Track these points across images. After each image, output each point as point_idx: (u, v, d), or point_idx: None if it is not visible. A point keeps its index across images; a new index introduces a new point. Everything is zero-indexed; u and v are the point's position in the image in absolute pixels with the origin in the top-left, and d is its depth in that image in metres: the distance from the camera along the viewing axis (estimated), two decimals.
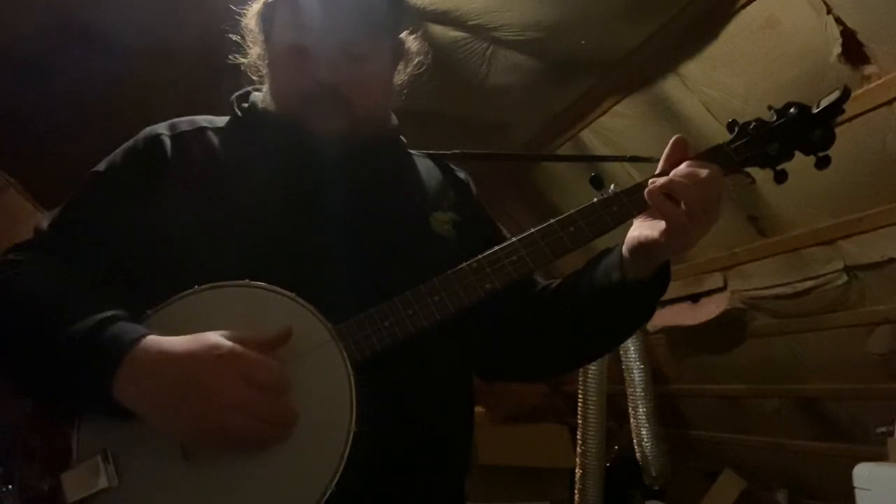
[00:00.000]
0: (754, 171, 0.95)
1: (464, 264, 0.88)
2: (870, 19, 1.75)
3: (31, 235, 0.95)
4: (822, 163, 0.93)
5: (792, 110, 0.92)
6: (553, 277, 1.09)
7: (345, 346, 0.80)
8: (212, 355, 0.75)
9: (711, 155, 0.91)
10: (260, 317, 0.81)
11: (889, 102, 1.80)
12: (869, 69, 1.83)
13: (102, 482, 0.76)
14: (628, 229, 0.94)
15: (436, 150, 1.16)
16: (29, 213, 3.36)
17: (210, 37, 2.10)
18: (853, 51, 1.80)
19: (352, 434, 0.76)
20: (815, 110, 0.92)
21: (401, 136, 1.10)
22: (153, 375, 0.75)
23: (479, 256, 0.89)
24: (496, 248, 0.89)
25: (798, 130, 0.92)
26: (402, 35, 1.06)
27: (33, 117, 2.64)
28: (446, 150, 1.17)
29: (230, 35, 1.06)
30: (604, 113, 2.65)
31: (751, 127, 0.93)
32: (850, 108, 1.86)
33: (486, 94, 2.60)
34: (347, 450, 0.75)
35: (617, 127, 2.67)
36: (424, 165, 1.11)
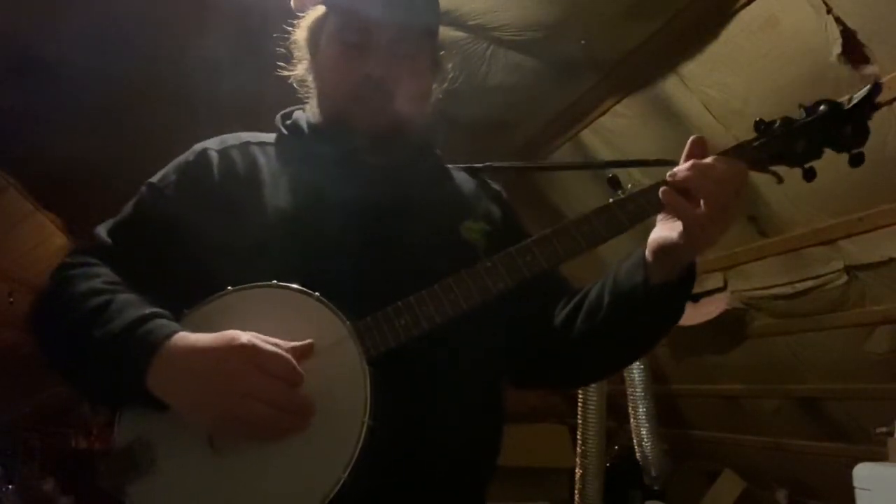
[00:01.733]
0: (781, 169, 0.94)
1: (478, 264, 0.90)
2: (870, 19, 1.75)
3: (89, 241, 1.01)
4: (856, 160, 0.91)
5: (822, 107, 0.91)
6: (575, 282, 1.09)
7: (361, 342, 0.84)
8: (230, 347, 0.80)
9: (734, 154, 0.90)
10: (284, 314, 0.86)
11: (889, 102, 1.80)
12: (869, 69, 1.83)
13: (137, 467, 0.83)
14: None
15: (468, 164, 1.20)
16: (29, 214, 3.37)
17: (210, 42, 2.11)
18: (853, 51, 1.80)
19: (365, 427, 0.79)
20: (847, 106, 0.91)
21: (436, 150, 1.14)
22: (181, 368, 0.82)
23: (493, 256, 0.90)
24: (510, 248, 0.90)
25: (829, 127, 0.90)
26: (440, 50, 1.10)
27: (34, 118, 2.64)
28: (472, 161, 1.21)
29: (277, 45, 1.10)
30: (604, 113, 2.65)
31: (776, 125, 0.92)
32: None
33: (486, 94, 2.60)
34: (361, 442, 0.78)
35: (617, 127, 2.67)
36: (459, 177, 1.16)
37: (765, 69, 2.03)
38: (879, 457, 2.37)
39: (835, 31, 1.79)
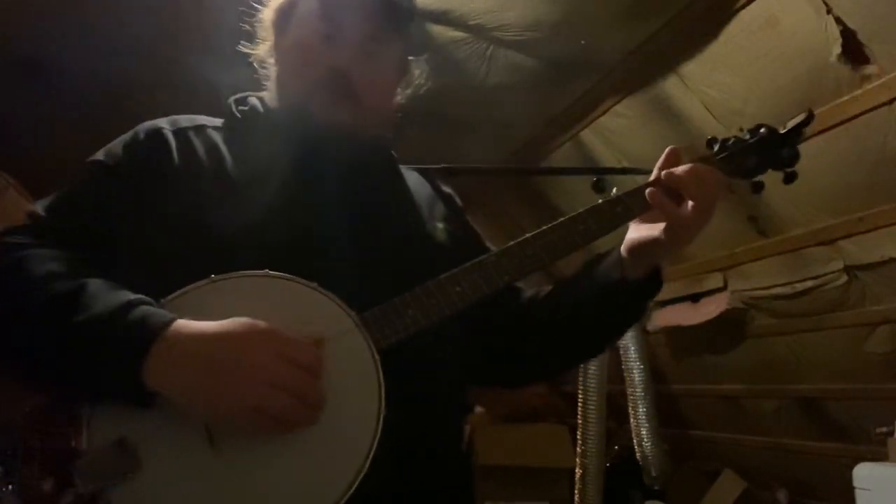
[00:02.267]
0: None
1: (483, 257, 0.92)
2: (870, 19, 1.75)
3: (26, 220, 0.92)
4: (789, 178, 1.04)
5: (762, 130, 1.02)
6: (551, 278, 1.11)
7: (370, 333, 0.82)
8: (251, 333, 0.76)
9: (702, 163, 0.98)
10: (281, 304, 0.82)
11: (889, 102, 1.80)
12: (869, 69, 1.83)
13: (120, 469, 0.75)
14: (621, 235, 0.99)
15: (425, 163, 1.19)
16: None
17: (210, 40, 2.11)
18: (853, 51, 1.81)
19: (382, 417, 0.78)
20: (783, 131, 1.02)
21: (392, 152, 1.12)
22: (186, 356, 0.75)
23: (497, 250, 0.93)
24: (511, 243, 0.93)
25: (769, 148, 1.02)
26: (409, 54, 1.09)
27: (34, 118, 2.64)
28: (436, 160, 1.22)
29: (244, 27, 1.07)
30: (604, 113, 2.65)
31: (729, 143, 1.02)
32: (850, 108, 1.88)
33: (486, 94, 2.60)
34: (379, 433, 0.77)
35: (617, 127, 2.67)
36: (413, 178, 1.14)
37: (765, 69, 2.03)
38: (879, 457, 2.37)
39: (835, 31, 1.79)
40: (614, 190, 0.98)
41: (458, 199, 1.19)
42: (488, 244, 1.14)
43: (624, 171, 1.60)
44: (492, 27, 2.23)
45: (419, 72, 1.11)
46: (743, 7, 1.96)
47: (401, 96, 1.10)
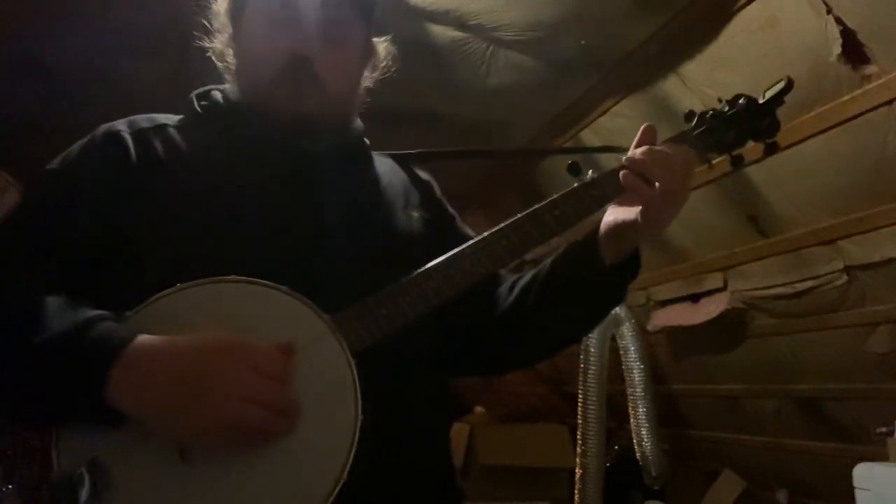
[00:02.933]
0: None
1: (457, 249, 0.88)
2: (870, 19, 1.75)
3: None
4: (771, 149, 1.00)
5: (741, 101, 0.99)
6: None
7: (344, 336, 0.80)
8: (217, 347, 0.73)
9: (678, 141, 0.96)
10: (251, 311, 0.79)
11: (889, 102, 1.80)
12: (869, 69, 1.83)
13: (93, 494, 0.72)
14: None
15: (403, 150, 1.16)
16: None
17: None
18: (853, 51, 1.80)
19: (360, 423, 0.75)
20: (762, 100, 0.99)
21: (364, 139, 1.09)
22: (154, 374, 0.73)
23: (472, 241, 0.90)
24: (486, 233, 0.90)
25: (748, 119, 0.99)
26: (374, 37, 1.06)
27: (34, 118, 2.64)
28: (419, 150, 1.17)
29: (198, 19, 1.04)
30: (604, 113, 2.65)
31: (708, 115, 1.00)
32: (850, 108, 1.88)
33: (486, 94, 2.60)
34: (356, 439, 0.75)
35: (617, 127, 2.67)
36: (388, 165, 1.11)
37: (765, 69, 2.03)
38: (879, 457, 2.37)
39: (835, 31, 1.79)
40: (590, 172, 0.95)
41: (436, 186, 1.15)
42: (467, 230, 1.12)
43: (602, 149, 1.58)
44: (492, 27, 2.23)
45: (385, 53, 1.07)
46: (743, 7, 1.96)
47: (368, 80, 1.06)
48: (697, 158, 0.97)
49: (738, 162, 1.01)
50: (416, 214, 1.04)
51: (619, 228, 0.93)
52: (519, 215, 0.92)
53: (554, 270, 1.01)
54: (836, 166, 2.04)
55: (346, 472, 0.74)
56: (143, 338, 0.74)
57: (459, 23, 2.21)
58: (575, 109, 2.75)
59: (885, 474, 2.12)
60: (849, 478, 2.19)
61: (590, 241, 0.97)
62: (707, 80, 2.21)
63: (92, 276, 0.85)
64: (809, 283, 2.46)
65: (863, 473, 2.16)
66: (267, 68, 0.94)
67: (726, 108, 1.00)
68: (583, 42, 2.27)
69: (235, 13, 1.00)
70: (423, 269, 0.86)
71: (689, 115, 1.01)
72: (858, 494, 2.14)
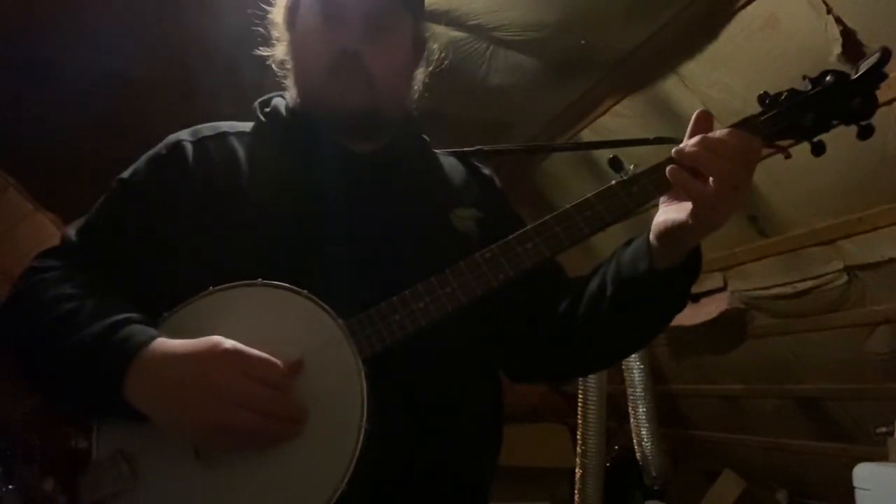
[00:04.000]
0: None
1: (476, 254, 0.85)
2: (870, 19, 1.75)
3: (59, 242, 0.97)
4: (865, 132, 0.86)
5: (829, 78, 0.86)
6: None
7: (355, 341, 0.80)
8: (213, 353, 0.76)
9: (740, 128, 0.85)
10: (272, 314, 0.82)
11: (889, 102, 1.80)
12: None
13: (119, 484, 0.77)
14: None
15: (457, 148, 1.16)
16: (29, 214, 3.36)
17: (211, 38, 2.11)
18: (853, 51, 1.80)
19: (363, 431, 0.75)
20: (854, 76, 0.86)
21: (423, 135, 1.10)
22: (158, 377, 0.77)
23: (492, 246, 0.86)
24: (510, 237, 0.86)
25: (836, 99, 0.86)
26: (423, 29, 1.06)
27: (34, 118, 2.64)
28: (461, 149, 1.17)
29: (257, 29, 1.06)
30: (604, 113, 2.65)
31: (782, 97, 0.87)
32: None
33: (486, 94, 2.60)
34: (359, 448, 0.75)
35: (617, 127, 2.67)
36: (448, 163, 1.11)
37: (765, 69, 2.03)
38: (879, 457, 2.37)
39: (835, 31, 1.79)
40: (632, 167, 0.87)
41: (497, 181, 1.14)
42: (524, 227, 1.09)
43: (651, 141, 1.42)
44: (492, 27, 2.23)
45: (436, 46, 1.07)
46: (743, 7, 1.96)
47: (422, 74, 1.06)
48: (763, 146, 0.85)
49: (819, 149, 0.88)
50: (468, 212, 1.02)
51: (671, 230, 0.84)
52: (548, 216, 0.86)
53: (605, 276, 0.94)
54: (836, 166, 2.04)
55: (345, 482, 0.74)
56: (158, 342, 0.79)
57: (459, 23, 2.21)
58: (575, 109, 2.75)
59: (885, 474, 2.13)
60: (849, 478, 2.19)
61: (641, 243, 0.90)
62: (707, 79, 2.21)
63: (150, 280, 0.90)
64: (809, 283, 2.46)
65: (863, 473, 2.16)
66: (318, 67, 0.96)
67: (809, 88, 0.87)
68: (583, 42, 2.27)
69: (290, 19, 1.02)
70: (439, 274, 0.84)
71: (763, 97, 0.88)
72: (858, 494, 2.14)
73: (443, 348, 0.89)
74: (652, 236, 0.87)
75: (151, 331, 0.81)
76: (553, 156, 3.09)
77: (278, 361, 0.77)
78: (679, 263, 0.87)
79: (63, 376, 0.83)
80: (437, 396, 0.91)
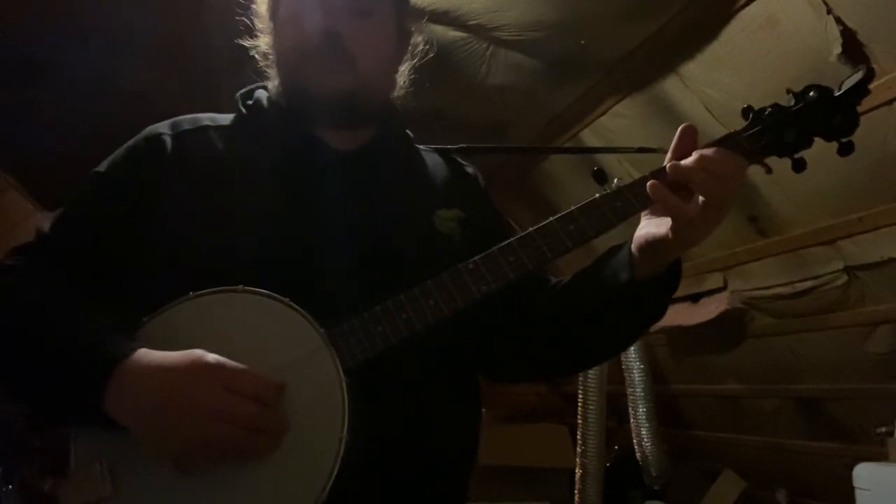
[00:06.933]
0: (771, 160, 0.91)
1: (459, 265, 0.85)
2: (870, 19, 1.75)
3: (33, 238, 0.94)
4: (845, 149, 0.87)
5: (811, 93, 0.86)
6: (557, 274, 1.07)
7: (337, 351, 0.79)
8: (195, 367, 0.75)
9: (724, 144, 0.86)
10: (254, 322, 0.81)
11: (889, 102, 1.80)
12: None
13: (98, 491, 0.76)
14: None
15: (441, 146, 1.14)
16: (29, 214, 3.37)
17: (210, 37, 2.11)
18: (853, 51, 1.80)
19: (343, 443, 0.75)
20: (837, 93, 0.86)
21: (407, 131, 1.09)
22: (137, 391, 0.76)
23: (476, 257, 0.86)
24: (493, 248, 0.86)
25: (818, 115, 0.86)
26: (408, 20, 1.05)
27: (33, 118, 2.64)
28: (444, 146, 1.16)
29: (242, 22, 1.06)
30: (604, 113, 2.65)
31: (766, 113, 0.88)
32: None
33: (486, 94, 2.60)
34: (339, 459, 0.74)
35: (617, 127, 2.67)
36: (431, 160, 1.09)
37: (765, 69, 2.03)
38: (879, 457, 2.37)
39: (835, 31, 1.79)
40: (616, 181, 0.90)
41: (481, 179, 1.13)
42: (509, 228, 1.08)
43: (638, 150, 1.44)
44: (492, 27, 2.23)
45: (421, 38, 1.06)
46: (743, 7, 1.96)
47: (407, 67, 1.05)
48: (747, 162, 0.86)
49: (800, 166, 0.88)
50: (452, 213, 1.00)
51: (650, 243, 0.85)
52: (531, 229, 0.87)
53: (586, 284, 0.96)
54: (836, 166, 2.03)
55: (325, 493, 0.73)
56: (138, 354, 0.77)
57: (459, 23, 2.21)
58: (575, 109, 2.75)
59: (885, 474, 2.12)
60: (849, 478, 2.19)
61: (623, 254, 0.90)
62: (707, 80, 2.21)
63: (124, 278, 0.89)
64: (809, 283, 2.45)
65: (863, 473, 2.16)
66: (300, 50, 0.95)
67: (792, 103, 0.87)
68: (583, 42, 2.27)
69: (274, 9, 1.01)
70: (422, 285, 0.84)
71: (746, 111, 0.89)
72: (858, 494, 2.14)
73: (421, 354, 0.88)
74: (633, 248, 0.88)
75: (131, 343, 0.79)
76: (553, 156, 3.09)
77: (261, 375, 0.76)
78: (660, 274, 0.88)
79: (41, 387, 0.81)
80: (416, 403, 0.90)
